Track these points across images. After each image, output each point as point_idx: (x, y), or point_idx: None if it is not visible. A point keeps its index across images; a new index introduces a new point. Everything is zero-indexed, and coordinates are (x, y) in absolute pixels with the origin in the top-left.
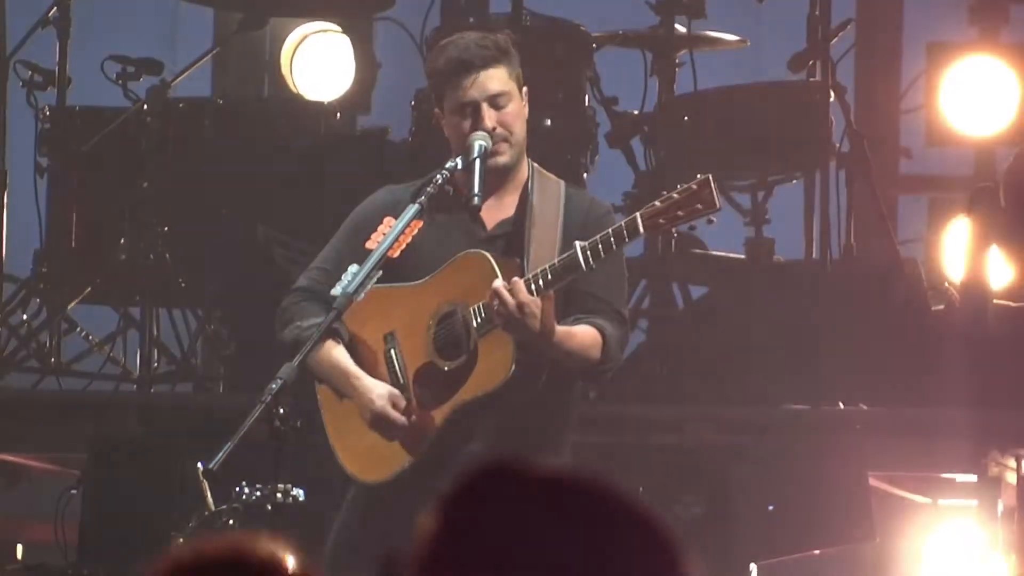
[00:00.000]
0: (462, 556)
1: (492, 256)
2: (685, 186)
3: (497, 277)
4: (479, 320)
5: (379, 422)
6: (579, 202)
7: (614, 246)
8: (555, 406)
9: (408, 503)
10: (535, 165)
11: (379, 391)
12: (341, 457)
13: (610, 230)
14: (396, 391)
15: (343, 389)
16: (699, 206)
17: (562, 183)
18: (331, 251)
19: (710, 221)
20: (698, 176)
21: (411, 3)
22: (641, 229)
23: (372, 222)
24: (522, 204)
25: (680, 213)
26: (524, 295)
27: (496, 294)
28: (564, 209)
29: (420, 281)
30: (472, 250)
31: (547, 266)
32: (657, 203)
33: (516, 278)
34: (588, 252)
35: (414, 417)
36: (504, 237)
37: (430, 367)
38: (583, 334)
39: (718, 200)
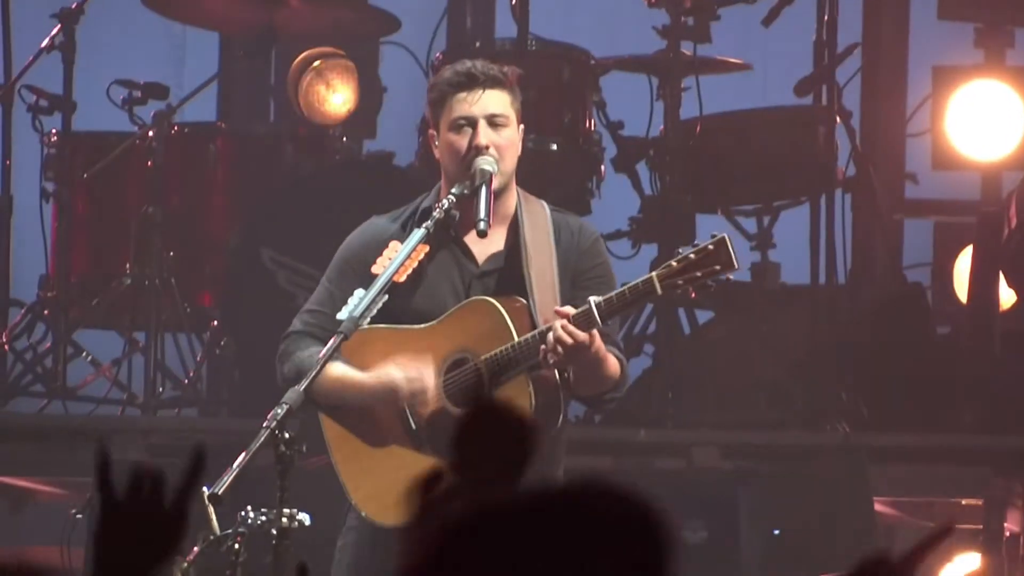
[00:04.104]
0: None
1: (501, 303)
2: (701, 245)
3: (510, 330)
4: (493, 369)
5: (413, 404)
6: (567, 230)
7: (629, 305)
8: (554, 440)
9: None
10: (521, 192)
11: (396, 377)
12: (355, 499)
13: (626, 289)
14: (412, 373)
15: (357, 397)
16: (717, 267)
17: (547, 207)
18: (323, 292)
19: (728, 279)
20: (712, 235)
21: (417, 28)
22: (659, 291)
23: (362, 257)
24: (512, 237)
25: (698, 274)
26: (581, 335)
27: (560, 342)
28: (555, 240)
29: (425, 325)
30: (480, 297)
31: (560, 324)
32: (673, 263)
33: (565, 322)
34: (603, 309)
35: (431, 461)
36: (497, 273)
37: (443, 414)
38: (612, 359)
39: (736, 261)
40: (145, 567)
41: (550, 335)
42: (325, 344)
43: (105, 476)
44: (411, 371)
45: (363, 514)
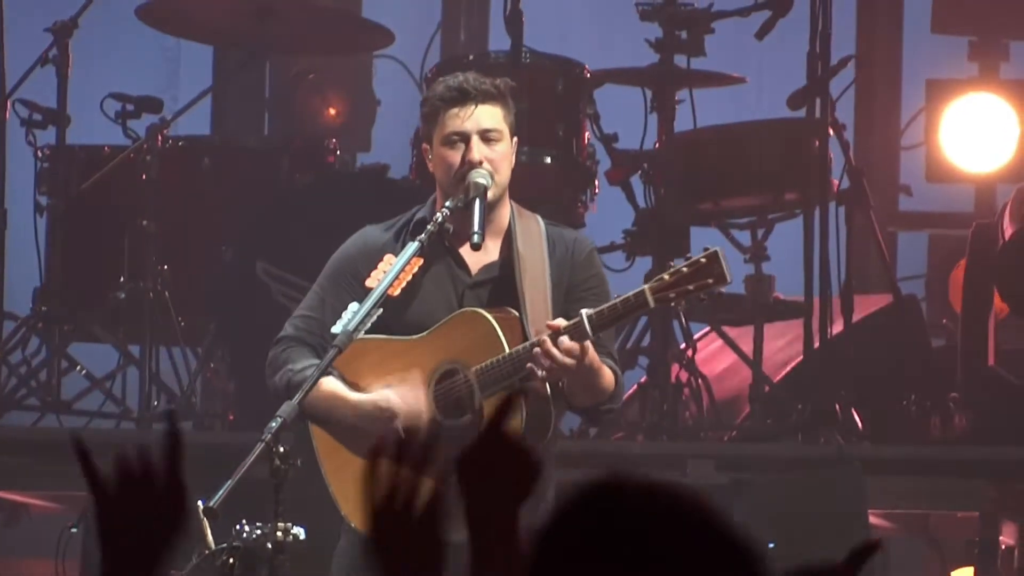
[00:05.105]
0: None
1: (492, 315)
2: (693, 259)
3: (500, 341)
4: (484, 381)
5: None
6: (561, 242)
7: (620, 317)
8: (544, 453)
9: None
10: (515, 205)
11: (394, 401)
12: (344, 510)
13: (618, 302)
14: (408, 396)
15: (346, 417)
16: (710, 280)
17: (541, 220)
18: (314, 298)
19: (720, 293)
20: (705, 249)
21: (411, 41)
22: (651, 304)
23: (354, 265)
24: (506, 248)
25: (690, 287)
26: (572, 347)
27: (548, 355)
28: (548, 252)
29: (416, 336)
30: (471, 308)
31: (550, 336)
32: (665, 276)
33: (563, 336)
34: (594, 321)
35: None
36: (491, 283)
37: (432, 425)
38: (606, 371)
39: (728, 274)
40: (156, 551)
41: (539, 347)
42: (316, 350)
43: (90, 469)
44: (406, 394)
45: (352, 524)
